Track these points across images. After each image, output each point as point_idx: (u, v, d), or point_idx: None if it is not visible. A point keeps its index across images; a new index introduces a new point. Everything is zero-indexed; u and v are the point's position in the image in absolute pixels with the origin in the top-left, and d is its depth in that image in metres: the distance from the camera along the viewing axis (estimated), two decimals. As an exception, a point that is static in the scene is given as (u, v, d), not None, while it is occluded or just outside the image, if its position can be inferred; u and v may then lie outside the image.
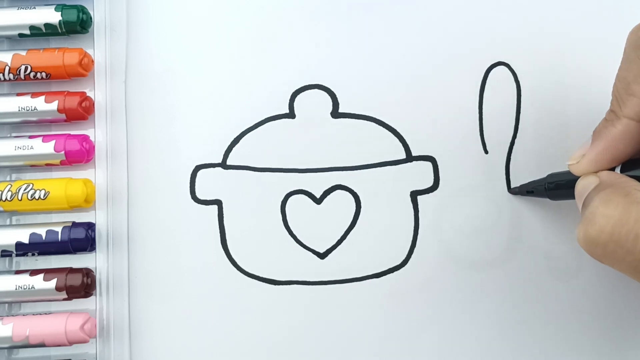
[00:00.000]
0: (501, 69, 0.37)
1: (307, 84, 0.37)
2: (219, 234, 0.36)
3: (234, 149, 0.36)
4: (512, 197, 0.36)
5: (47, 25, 0.36)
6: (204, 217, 0.36)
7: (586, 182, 0.29)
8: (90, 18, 0.37)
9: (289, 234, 0.36)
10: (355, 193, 0.36)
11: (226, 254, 0.36)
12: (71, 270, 0.35)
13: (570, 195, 0.30)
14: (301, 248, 0.36)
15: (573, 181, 0.30)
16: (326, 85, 0.37)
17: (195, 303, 0.36)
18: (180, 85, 0.37)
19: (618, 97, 0.28)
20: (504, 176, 0.36)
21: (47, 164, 0.36)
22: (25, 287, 0.34)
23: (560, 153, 0.36)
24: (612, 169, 0.29)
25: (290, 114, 0.37)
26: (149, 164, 0.37)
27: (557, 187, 0.32)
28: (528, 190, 0.35)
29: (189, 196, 0.36)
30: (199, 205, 0.36)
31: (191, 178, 0.36)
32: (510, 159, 0.36)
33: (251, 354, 0.35)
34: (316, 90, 0.37)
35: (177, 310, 0.36)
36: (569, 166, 0.30)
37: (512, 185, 0.36)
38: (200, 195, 0.36)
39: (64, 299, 0.35)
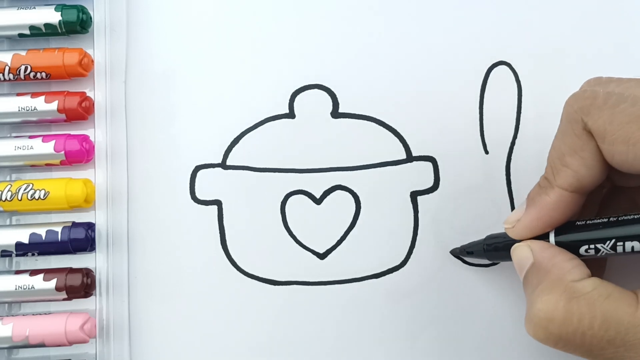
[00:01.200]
0: (502, 68, 0.37)
1: (307, 84, 0.37)
2: (218, 234, 0.36)
3: (233, 149, 0.36)
4: (512, 197, 0.36)
5: (47, 25, 0.36)
6: (204, 217, 0.36)
7: (521, 255, 0.29)
8: (90, 18, 0.37)
9: (289, 234, 0.36)
10: (355, 193, 0.36)
11: (226, 254, 0.36)
12: (71, 270, 0.35)
13: (508, 257, 0.30)
14: (301, 248, 0.36)
15: (510, 244, 0.30)
16: (326, 85, 0.37)
17: (195, 303, 0.36)
18: (180, 85, 0.37)
19: (552, 166, 0.28)
20: (504, 176, 0.36)
21: (47, 164, 0.36)
22: (25, 287, 0.34)
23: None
24: (547, 234, 0.29)
25: (290, 114, 0.37)
26: (149, 164, 0.37)
27: (495, 249, 0.32)
28: (468, 251, 0.34)
29: (189, 196, 0.36)
30: (199, 205, 0.36)
31: (191, 178, 0.36)
32: (510, 159, 0.36)
33: (251, 354, 0.35)
34: (316, 90, 0.37)
35: (177, 310, 0.36)
36: (505, 229, 0.30)
37: (513, 186, 0.36)
38: (200, 195, 0.36)
39: (64, 299, 0.35)
